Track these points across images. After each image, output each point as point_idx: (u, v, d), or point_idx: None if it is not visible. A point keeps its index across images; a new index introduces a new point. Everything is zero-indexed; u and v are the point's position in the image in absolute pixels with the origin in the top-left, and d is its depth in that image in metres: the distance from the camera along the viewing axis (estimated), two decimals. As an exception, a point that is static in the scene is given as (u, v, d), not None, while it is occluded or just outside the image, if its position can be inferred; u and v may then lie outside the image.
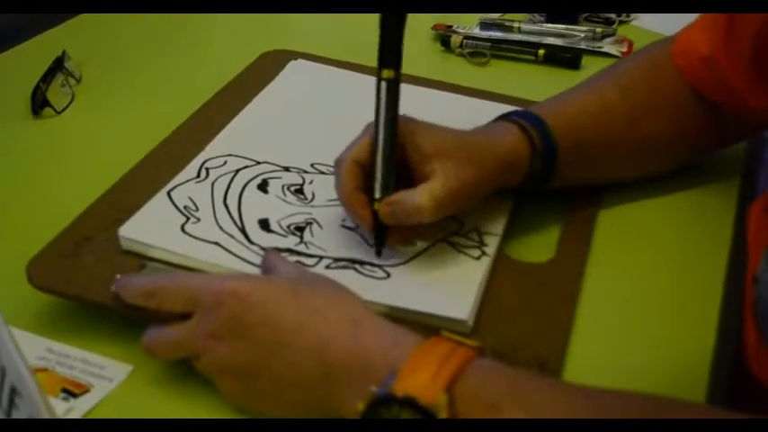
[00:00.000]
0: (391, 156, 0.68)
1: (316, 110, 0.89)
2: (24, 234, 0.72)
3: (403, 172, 0.69)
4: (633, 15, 1.19)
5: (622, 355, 0.65)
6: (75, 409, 0.59)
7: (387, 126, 0.68)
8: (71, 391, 0.61)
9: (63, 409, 0.59)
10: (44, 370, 0.62)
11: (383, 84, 0.69)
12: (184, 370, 0.61)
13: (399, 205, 0.67)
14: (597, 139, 0.77)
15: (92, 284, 0.65)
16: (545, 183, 0.75)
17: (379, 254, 0.69)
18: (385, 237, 0.68)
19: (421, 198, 0.66)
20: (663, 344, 0.66)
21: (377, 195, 0.67)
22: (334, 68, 0.97)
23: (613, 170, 0.81)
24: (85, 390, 0.61)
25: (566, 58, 1.06)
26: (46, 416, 0.44)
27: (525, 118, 0.75)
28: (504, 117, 0.76)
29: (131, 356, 0.63)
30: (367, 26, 1.14)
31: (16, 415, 0.47)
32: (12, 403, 0.47)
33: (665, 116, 0.80)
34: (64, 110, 0.94)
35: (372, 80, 0.92)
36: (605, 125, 0.78)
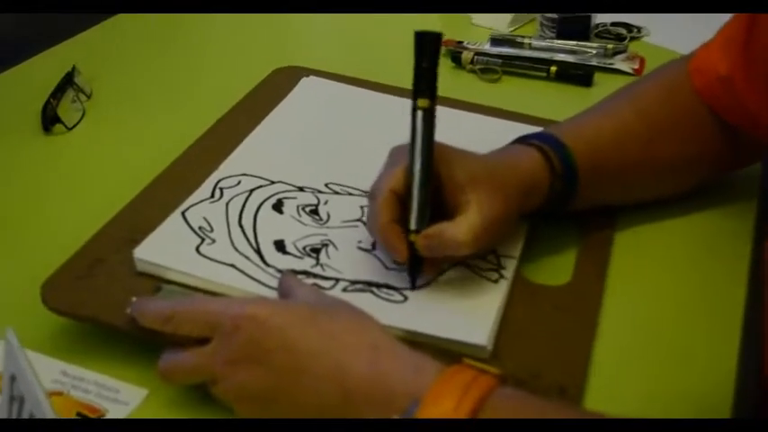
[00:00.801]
0: (428, 186, 0.67)
1: (329, 128, 0.88)
2: (37, 254, 0.72)
3: (433, 198, 0.68)
4: (644, 31, 1.18)
5: (643, 380, 0.65)
6: (91, 435, 0.59)
7: (423, 156, 0.67)
8: (86, 416, 0.60)
9: (78, 434, 0.58)
10: (59, 394, 0.62)
11: (419, 113, 0.68)
12: (200, 394, 0.60)
13: (437, 239, 0.66)
14: (615, 161, 0.77)
15: (106, 307, 0.64)
16: (564, 206, 0.75)
17: (413, 285, 0.68)
18: (421, 268, 0.67)
19: (460, 232, 0.65)
20: (684, 367, 0.66)
21: (413, 227, 0.66)
22: (347, 86, 0.96)
23: (631, 192, 0.80)
24: (100, 414, 0.60)
25: (578, 75, 1.05)
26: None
27: (545, 141, 0.74)
28: (522, 140, 0.76)
29: (146, 380, 0.62)
30: (378, 43, 1.15)
31: (35, 445, 0.46)
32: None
33: (681, 137, 0.79)
34: (75, 126, 0.94)
35: (385, 98, 0.93)
36: (623, 147, 0.77)
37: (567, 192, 0.74)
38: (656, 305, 0.72)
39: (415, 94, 0.68)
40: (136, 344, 0.63)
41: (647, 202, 0.81)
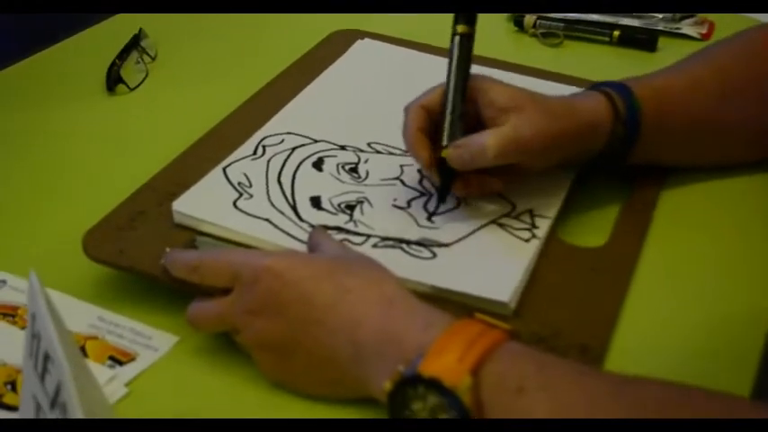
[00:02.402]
0: (460, 105, 0.70)
1: (378, 89, 0.89)
2: (86, 206, 0.74)
3: (477, 128, 0.69)
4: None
5: (668, 345, 0.64)
6: (119, 377, 0.61)
7: (457, 77, 0.70)
8: (117, 359, 0.62)
9: (107, 376, 0.61)
10: (94, 338, 0.64)
11: (456, 38, 0.72)
12: (227, 343, 0.62)
13: (465, 148, 0.68)
14: (684, 114, 0.76)
15: (144, 257, 0.66)
16: (625, 154, 0.74)
17: (442, 200, 0.71)
18: (451, 183, 0.70)
19: (487, 138, 0.67)
20: (710, 338, 0.65)
21: (444, 142, 0.69)
22: (402, 48, 0.97)
23: (696, 152, 0.79)
24: (131, 358, 0.63)
25: (641, 39, 1.03)
26: (72, 383, 0.45)
27: (610, 86, 0.74)
28: (589, 87, 0.76)
29: (178, 328, 0.64)
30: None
31: (48, 380, 0.48)
32: (45, 369, 0.49)
33: (757, 99, 0.77)
34: (137, 87, 0.96)
35: (440, 60, 0.93)
36: (695, 102, 0.76)
37: (628, 139, 0.73)
38: (692, 272, 0.71)
39: (456, 20, 0.71)
40: (170, 293, 0.65)
41: (711, 166, 0.79)
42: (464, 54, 0.71)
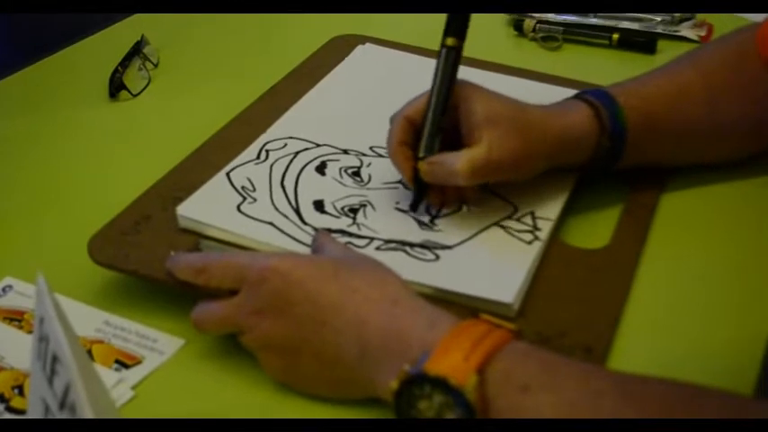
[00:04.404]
0: (439, 118, 0.70)
1: (379, 93, 0.89)
2: (91, 211, 0.74)
3: (456, 135, 0.70)
4: (716, -1, 1.15)
5: (670, 346, 0.64)
6: (126, 380, 0.61)
7: (440, 91, 0.71)
8: (123, 363, 0.63)
9: (114, 379, 0.61)
10: (100, 342, 0.65)
11: (444, 50, 0.71)
12: (233, 345, 0.62)
13: (438, 166, 0.69)
14: (673, 121, 0.76)
15: (148, 261, 0.67)
16: (614, 162, 0.75)
17: (414, 209, 0.72)
18: (424, 193, 0.71)
19: (458, 162, 0.67)
20: (712, 339, 0.65)
21: (420, 154, 0.70)
22: (402, 53, 0.97)
23: (687, 154, 0.79)
24: (137, 361, 0.63)
25: (640, 42, 1.04)
26: (80, 383, 0.46)
27: (597, 97, 0.74)
28: (576, 96, 0.76)
29: (184, 331, 0.65)
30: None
31: (57, 382, 0.49)
32: (53, 371, 0.49)
33: (745, 101, 0.77)
34: (139, 93, 0.97)
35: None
36: (683, 107, 0.76)
37: (615, 148, 0.74)
38: (693, 273, 0.71)
39: (445, 32, 0.71)
40: (175, 296, 0.66)
41: (703, 164, 0.80)
42: (449, 67, 0.71)
